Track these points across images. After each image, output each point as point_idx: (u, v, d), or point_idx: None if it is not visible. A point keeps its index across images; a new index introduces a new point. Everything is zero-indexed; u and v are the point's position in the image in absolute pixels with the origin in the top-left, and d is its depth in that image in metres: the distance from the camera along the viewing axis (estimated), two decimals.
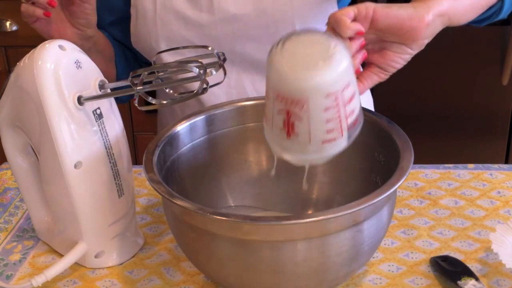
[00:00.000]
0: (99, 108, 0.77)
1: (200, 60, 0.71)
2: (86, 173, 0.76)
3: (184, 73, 0.77)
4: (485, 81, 1.82)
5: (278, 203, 0.89)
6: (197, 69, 0.69)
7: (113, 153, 0.78)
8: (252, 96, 1.00)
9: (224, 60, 0.75)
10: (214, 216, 0.66)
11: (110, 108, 0.79)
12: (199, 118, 0.84)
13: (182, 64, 0.71)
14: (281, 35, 0.98)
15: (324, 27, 1.00)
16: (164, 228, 0.89)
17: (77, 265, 0.82)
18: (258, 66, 1.03)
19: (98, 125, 0.76)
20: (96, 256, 0.81)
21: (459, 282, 0.73)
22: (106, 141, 0.77)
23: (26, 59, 0.74)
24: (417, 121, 1.88)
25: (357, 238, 0.68)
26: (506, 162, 1.95)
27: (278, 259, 0.66)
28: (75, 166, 0.75)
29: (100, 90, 0.76)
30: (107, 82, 0.77)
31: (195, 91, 0.69)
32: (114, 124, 0.79)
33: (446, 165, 1.02)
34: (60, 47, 0.75)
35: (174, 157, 0.80)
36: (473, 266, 0.78)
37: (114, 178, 0.79)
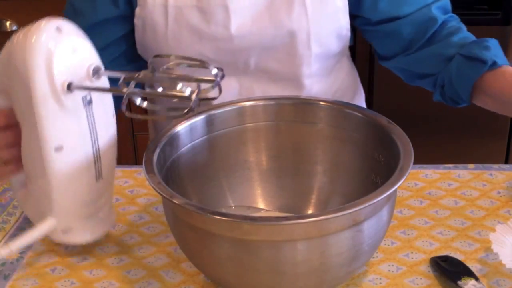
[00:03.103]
0: (89, 94, 0.75)
1: (196, 78, 0.70)
2: (66, 156, 0.74)
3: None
4: None
5: (278, 203, 0.89)
6: (189, 91, 0.68)
7: (97, 138, 0.77)
8: None
9: (222, 77, 0.74)
10: (214, 216, 0.65)
11: (101, 94, 0.77)
12: (199, 118, 0.84)
13: (175, 82, 0.70)
14: (296, 44, 0.99)
15: (337, 37, 1.01)
16: (163, 228, 0.89)
17: (76, 265, 0.82)
18: (271, 75, 1.02)
19: (86, 111, 0.75)
20: (64, 232, 0.79)
21: (459, 282, 0.73)
22: (93, 127, 0.76)
23: (20, 35, 0.72)
24: (417, 121, 1.88)
25: (357, 238, 0.68)
26: (506, 162, 1.94)
27: (278, 259, 0.66)
28: (56, 150, 0.73)
29: (93, 76, 0.74)
30: (102, 69, 0.75)
31: (185, 111, 0.69)
32: (105, 109, 0.78)
33: (446, 165, 1.01)
34: (57, 29, 0.72)
35: (174, 157, 0.80)
36: (473, 266, 0.78)
37: (95, 162, 0.77)
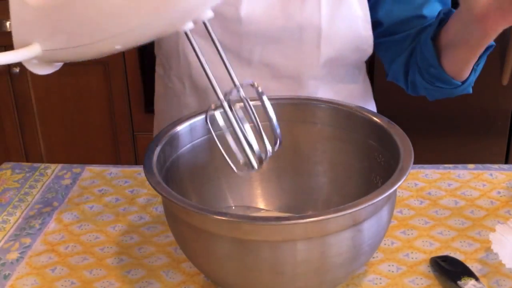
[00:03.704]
0: None
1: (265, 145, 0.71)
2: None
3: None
4: (485, 81, 1.81)
5: (278, 203, 0.89)
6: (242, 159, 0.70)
7: None
8: None
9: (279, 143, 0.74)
10: (214, 216, 0.65)
11: None
12: (199, 118, 0.84)
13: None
14: (305, 40, 0.98)
15: (355, 48, 0.99)
16: (163, 228, 0.89)
17: (76, 265, 0.82)
18: (275, 71, 1.01)
19: None
20: (37, 63, 0.73)
21: (459, 282, 0.73)
22: None
23: None
24: (417, 121, 1.88)
25: (357, 238, 0.68)
26: (506, 162, 1.94)
27: (278, 259, 0.66)
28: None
29: None
30: None
31: (246, 170, 0.71)
32: None
33: (446, 165, 1.01)
34: None
35: (174, 157, 0.80)
36: (473, 266, 0.78)
37: None
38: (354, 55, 1.02)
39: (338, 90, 1.05)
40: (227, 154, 0.73)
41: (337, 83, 1.05)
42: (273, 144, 0.74)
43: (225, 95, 0.69)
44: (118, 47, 0.67)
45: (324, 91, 1.03)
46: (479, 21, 0.79)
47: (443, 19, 0.91)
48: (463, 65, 0.91)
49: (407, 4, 0.98)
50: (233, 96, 0.71)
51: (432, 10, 0.96)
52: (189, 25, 0.67)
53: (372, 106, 1.16)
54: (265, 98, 0.74)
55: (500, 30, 0.80)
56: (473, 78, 0.95)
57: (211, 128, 0.71)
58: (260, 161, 0.71)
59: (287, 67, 1.01)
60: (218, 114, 0.70)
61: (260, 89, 0.73)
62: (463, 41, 0.86)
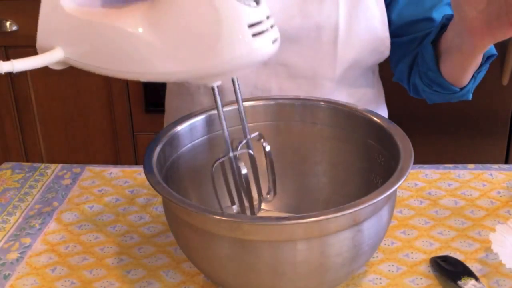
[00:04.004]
0: None
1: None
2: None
3: None
4: (485, 81, 1.81)
5: (278, 203, 0.89)
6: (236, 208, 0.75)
7: None
8: None
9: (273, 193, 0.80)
10: (214, 216, 0.66)
11: None
12: (199, 118, 0.84)
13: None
14: (322, 40, 0.99)
15: (373, 49, 0.99)
16: (163, 228, 0.89)
17: (76, 265, 0.82)
18: (290, 71, 1.01)
19: None
20: (56, 64, 0.72)
21: (459, 282, 0.73)
22: None
23: None
24: (417, 121, 1.88)
25: (357, 238, 0.68)
26: (506, 162, 1.94)
27: (278, 259, 0.66)
28: None
29: None
30: None
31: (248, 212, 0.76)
32: None
33: (446, 165, 1.01)
34: None
35: (174, 157, 0.80)
36: (473, 266, 0.78)
37: None
38: (371, 58, 1.01)
39: (353, 93, 1.05)
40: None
41: (352, 86, 1.04)
42: (267, 193, 0.79)
43: (232, 142, 0.73)
44: (142, 80, 0.67)
45: (339, 93, 1.03)
46: (468, 32, 0.80)
47: (445, 24, 0.91)
48: (460, 71, 0.91)
49: (418, 6, 0.98)
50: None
51: (442, 14, 0.96)
52: (217, 82, 0.67)
53: (383, 110, 1.16)
54: (268, 150, 0.77)
55: (487, 44, 0.81)
56: (473, 86, 0.95)
57: (213, 179, 0.75)
58: (252, 211, 0.75)
59: (303, 67, 1.00)
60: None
61: (266, 146, 0.77)
62: (457, 48, 0.87)
